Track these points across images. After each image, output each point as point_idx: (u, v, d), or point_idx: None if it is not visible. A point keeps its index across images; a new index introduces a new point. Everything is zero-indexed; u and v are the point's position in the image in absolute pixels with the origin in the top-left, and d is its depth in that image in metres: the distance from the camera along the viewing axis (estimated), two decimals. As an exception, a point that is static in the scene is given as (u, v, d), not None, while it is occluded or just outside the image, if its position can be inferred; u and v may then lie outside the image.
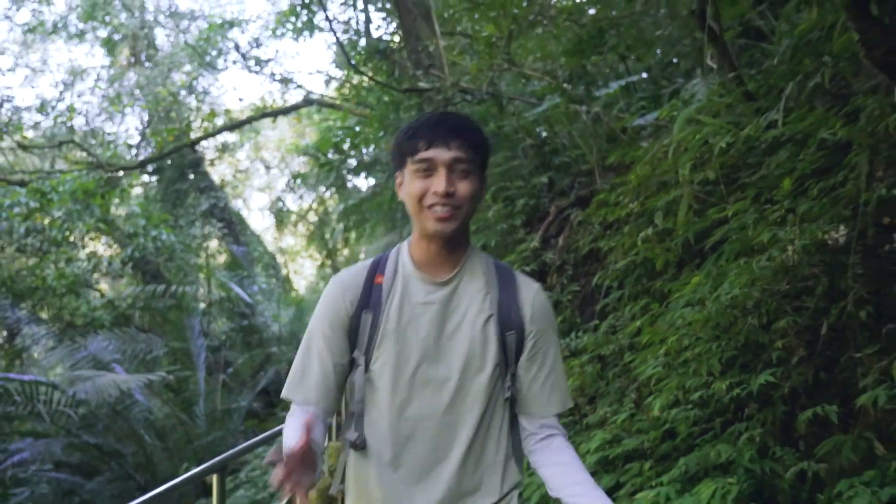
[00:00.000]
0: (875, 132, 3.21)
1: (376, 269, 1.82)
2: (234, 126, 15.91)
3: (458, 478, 1.76)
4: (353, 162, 11.71)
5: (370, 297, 1.77)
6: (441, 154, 1.67)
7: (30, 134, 16.38)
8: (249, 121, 15.51)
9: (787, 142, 4.25)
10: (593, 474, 4.37)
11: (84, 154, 15.09)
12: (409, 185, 1.72)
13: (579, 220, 6.79)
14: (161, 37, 19.79)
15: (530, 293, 1.83)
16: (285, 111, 15.28)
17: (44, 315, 12.31)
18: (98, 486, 8.94)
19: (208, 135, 15.49)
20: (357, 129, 11.43)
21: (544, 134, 8.67)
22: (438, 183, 1.67)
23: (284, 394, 1.82)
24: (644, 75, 8.62)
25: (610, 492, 4.02)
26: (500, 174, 8.22)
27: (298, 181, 19.21)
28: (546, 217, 7.54)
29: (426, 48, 9.08)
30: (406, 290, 1.77)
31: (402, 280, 1.78)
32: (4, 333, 14.67)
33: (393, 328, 1.74)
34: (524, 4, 7.65)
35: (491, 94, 8.39)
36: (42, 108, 14.53)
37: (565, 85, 7.28)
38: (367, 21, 9.90)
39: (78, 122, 15.26)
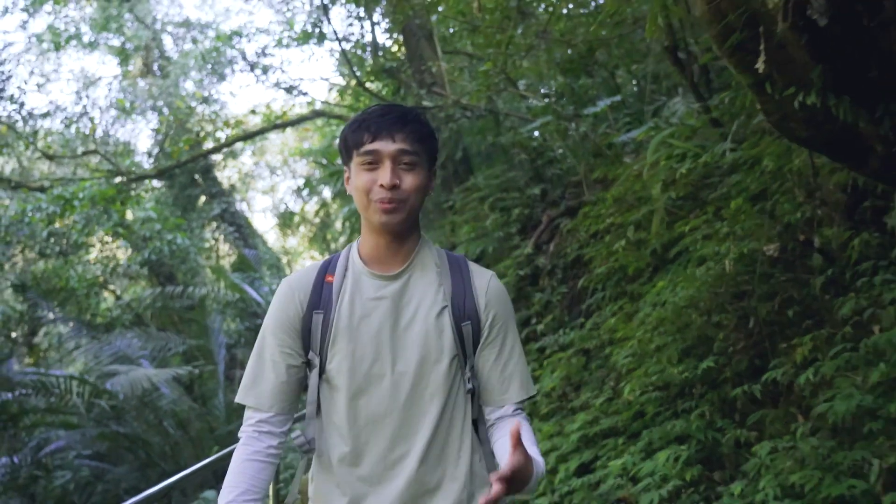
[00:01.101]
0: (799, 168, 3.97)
1: (326, 268, 1.81)
2: (247, 136, 16.64)
3: (420, 475, 1.72)
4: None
5: (321, 297, 1.76)
6: (386, 146, 1.66)
7: (44, 141, 17.01)
8: (262, 132, 16.25)
9: (742, 165, 5.03)
10: (575, 450, 5.12)
11: (100, 161, 15.85)
12: (355, 178, 1.71)
13: (568, 229, 7.56)
14: (171, 46, 20.51)
15: (483, 281, 1.82)
16: (295, 122, 16.03)
17: (60, 314, 13.02)
18: (126, 472, 9.71)
19: (223, 144, 16.23)
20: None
21: (535, 144, 9.43)
22: (384, 175, 1.65)
23: (238, 399, 1.79)
24: (634, 88, 9.36)
25: (589, 463, 4.79)
26: (497, 185, 8.98)
27: (306, 190, 19.93)
28: (539, 225, 8.29)
29: (429, 68, 9.85)
30: (357, 287, 1.75)
31: (353, 277, 1.77)
32: (25, 329, 15.38)
33: (345, 326, 1.72)
34: (519, 32, 8.36)
35: (489, 111, 9.15)
36: (70, 122, 15.27)
37: (555, 106, 7.99)
38: (375, 43, 10.62)
39: (95, 130, 15.99)
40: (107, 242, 15.68)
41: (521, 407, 1.83)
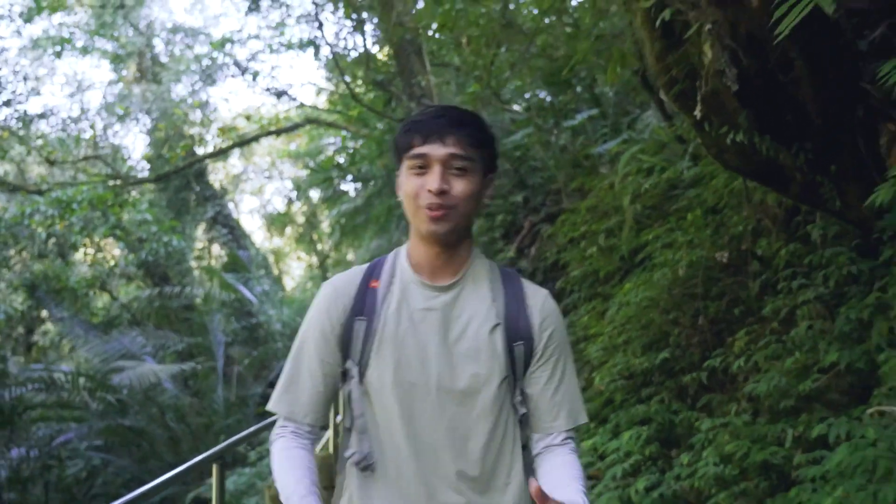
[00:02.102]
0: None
1: (371, 273, 1.71)
2: (242, 143, 17.20)
3: (467, 500, 1.62)
4: (350, 176, 13.09)
5: (364, 303, 1.66)
6: (436, 150, 1.56)
7: (43, 145, 17.40)
8: (257, 138, 16.81)
9: (700, 181, 5.69)
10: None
11: (95, 165, 16.36)
12: (404, 183, 1.62)
13: (548, 234, 8.20)
14: (163, 52, 20.98)
15: (539, 300, 1.71)
16: (288, 129, 16.61)
17: (66, 314, 13.55)
18: (129, 463, 10.29)
19: (220, 150, 16.77)
20: (352, 148, 12.81)
21: (518, 154, 10.06)
22: (432, 180, 1.55)
23: (270, 406, 1.70)
24: (612, 100, 9.99)
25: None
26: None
27: (297, 192, 20.50)
28: (521, 230, 8.94)
29: (418, 82, 10.48)
30: (404, 296, 1.65)
31: (400, 285, 1.67)
32: (21, 330, 15.86)
33: (390, 335, 1.62)
34: (503, 50, 8.97)
35: (474, 123, 9.74)
36: (66, 127, 15.78)
37: (537, 120, 8.63)
38: (368, 56, 11.23)
39: (90, 134, 16.51)
40: (102, 244, 16.18)
41: (572, 436, 1.71)
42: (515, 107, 11.03)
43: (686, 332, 4.77)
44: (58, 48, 18.34)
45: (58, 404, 9.94)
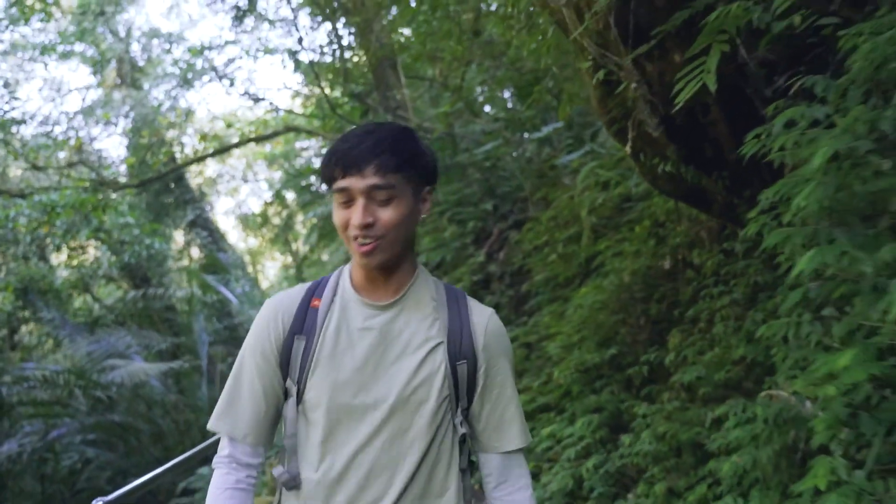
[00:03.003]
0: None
1: (314, 292, 1.70)
2: (224, 150, 17.69)
3: None
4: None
5: (304, 322, 1.64)
6: (355, 183, 1.53)
7: (27, 150, 17.66)
8: (238, 145, 17.30)
9: (650, 195, 6.34)
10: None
11: (78, 170, 16.73)
12: (335, 215, 1.61)
13: (515, 241, 8.84)
14: (140, 57, 21.34)
15: (483, 319, 1.71)
16: (269, 137, 17.12)
17: (55, 314, 13.97)
18: (118, 457, 10.79)
19: (201, 157, 17.24)
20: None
21: (488, 164, 10.71)
22: (356, 215, 1.54)
23: (211, 425, 1.67)
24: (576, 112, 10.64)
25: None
26: (455, 200, 10.23)
27: (273, 195, 20.99)
28: (490, 237, 9.56)
29: (394, 95, 11.09)
30: (344, 314, 1.65)
31: (341, 303, 1.66)
32: (5, 331, 16.18)
33: (327, 355, 1.61)
34: (474, 66, 9.63)
35: (447, 134, 10.41)
36: (50, 133, 16.18)
37: (505, 133, 9.28)
38: (345, 70, 11.79)
39: (74, 138, 16.88)
40: (82, 247, 16.58)
41: (522, 454, 1.77)
42: (487, 108, 11.66)
43: (632, 330, 5.42)
44: (38, 53, 18.65)
45: (49, 401, 10.42)
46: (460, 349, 1.65)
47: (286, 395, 1.66)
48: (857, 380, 1.95)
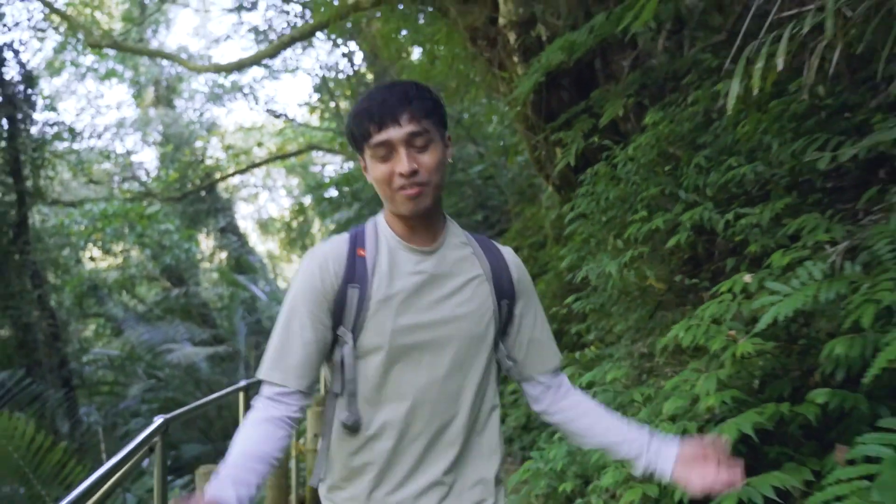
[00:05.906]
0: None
1: (356, 242, 1.67)
2: (255, 165, 19.86)
3: (460, 452, 1.66)
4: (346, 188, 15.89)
5: (355, 271, 1.63)
6: (394, 133, 1.55)
7: (74, 160, 19.79)
8: (267, 162, 19.47)
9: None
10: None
11: (123, 182, 18.99)
12: (373, 171, 1.61)
13: (498, 247, 10.87)
14: (171, 76, 23.54)
15: (512, 256, 1.78)
16: (293, 154, 19.26)
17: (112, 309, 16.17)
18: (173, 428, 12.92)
19: (235, 172, 19.40)
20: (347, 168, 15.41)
21: (479, 182, 12.74)
22: (401, 164, 1.55)
23: (261, 374, 1.63)
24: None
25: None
26: (452, 214, 12.26)
27: (293, 202, 23.06)
28: (479, 243, 11.58)
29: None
30: (394, 260, 1.65)
31: (388, 251, 1.66)
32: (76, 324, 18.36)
33: (382, 299, 1.61)
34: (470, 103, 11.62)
35: (448, 156, 12.42)
36: (106, 155, 18.46)
37: (494, 157, 11.33)
38: (355, 89, 13.79)
39: (123, 154, 19.17)
40: (127, 250, 18.81)
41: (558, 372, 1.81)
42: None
43: (568, 319, 7.44)
44: (84, 73, 20.88)
45: (115, 381, 12.55)
46: (503, 287, 1.71)
47: (338, 342, 1.65)
48: None
